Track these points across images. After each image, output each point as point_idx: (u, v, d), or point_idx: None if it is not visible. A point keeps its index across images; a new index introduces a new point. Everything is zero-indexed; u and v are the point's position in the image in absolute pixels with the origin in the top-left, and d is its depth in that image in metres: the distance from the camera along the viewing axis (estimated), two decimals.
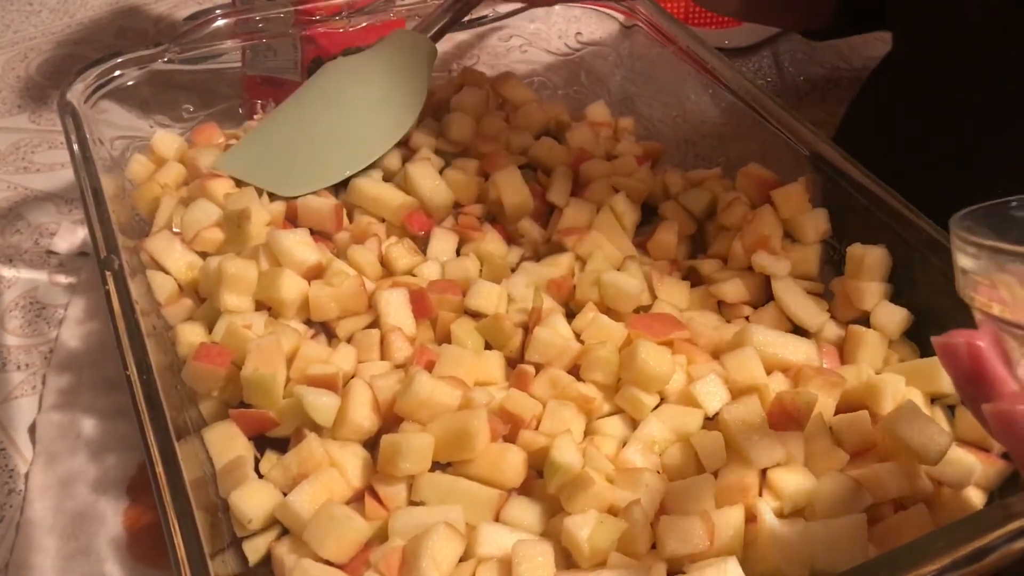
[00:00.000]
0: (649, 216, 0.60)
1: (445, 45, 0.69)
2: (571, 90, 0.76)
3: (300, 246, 0.52)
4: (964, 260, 0.32)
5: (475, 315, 0.52)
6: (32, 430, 0.56)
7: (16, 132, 0.81)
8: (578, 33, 0.76)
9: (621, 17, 0.73)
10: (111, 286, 0.46)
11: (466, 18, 0.68)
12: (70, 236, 0.70)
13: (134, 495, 0.52)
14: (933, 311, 0.51)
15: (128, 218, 0.58)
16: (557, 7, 0.73)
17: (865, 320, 0.52)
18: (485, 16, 0.74)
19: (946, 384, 0.47)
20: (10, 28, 0.94)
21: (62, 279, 0.66)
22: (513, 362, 0.50)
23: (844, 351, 0.51)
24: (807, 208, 0.55)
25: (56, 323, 0.63)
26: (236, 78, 0.72)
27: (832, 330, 0.52)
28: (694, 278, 0.57)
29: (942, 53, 0.61)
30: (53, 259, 0.68)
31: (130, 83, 0.66)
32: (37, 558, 0.49)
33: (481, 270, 0.55)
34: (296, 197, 0.58)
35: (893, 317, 0.51)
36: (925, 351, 0.51)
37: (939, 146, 0.63)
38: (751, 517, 0.41)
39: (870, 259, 0.52)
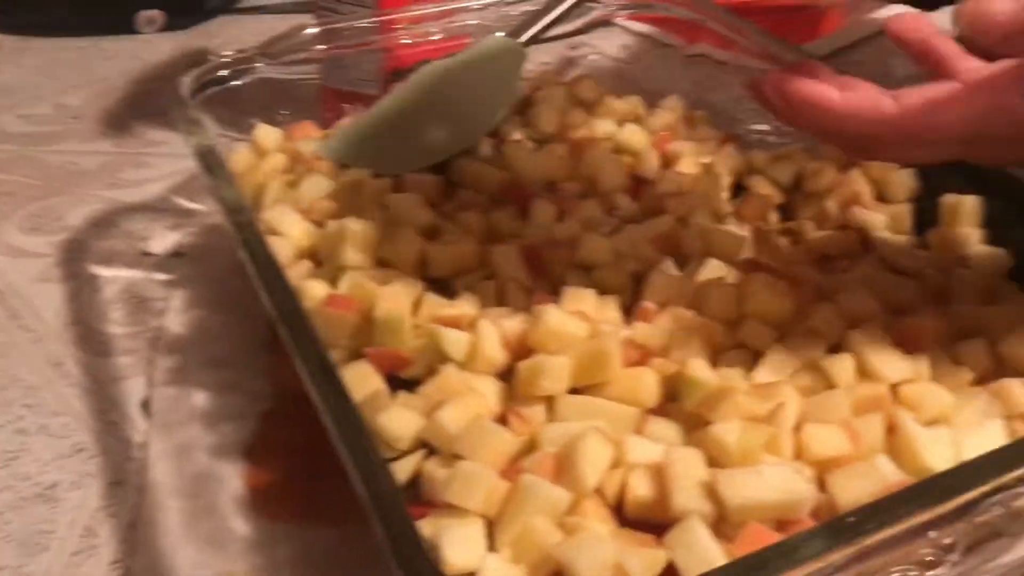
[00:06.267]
0: (736, 193, 0.62)
1: None
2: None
3: (416, 207, 0.54)
4: None
5: (586, 270, 0.53)
6: (145, 404, 0.57)
7: (101, 155, 0.84)
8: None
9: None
10: (248, 237, 0.48)
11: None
12: (163, 240, 0.72)
13: (253, 459, 0.53)
14: None
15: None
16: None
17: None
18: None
19: None
20: (89, 69, 0.99)
21: (160, 276, 0.68)
22: (628, 311, 0.51)
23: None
24: (895, 167, 0.57)
25: (157, 313, 0.64)
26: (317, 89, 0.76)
27: (932, 278, 0.53)
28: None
29: None
30: (149, 260, 0.70)
31: (222, 90, 0.69)
32: (163, 515, 0.49)
33: None
34: (400, 176, 0.60)
35: (993, 259, 0.52)
36: None
37: None
38: (890, 428, 0.42)
39: (965, 206, 0.53)
